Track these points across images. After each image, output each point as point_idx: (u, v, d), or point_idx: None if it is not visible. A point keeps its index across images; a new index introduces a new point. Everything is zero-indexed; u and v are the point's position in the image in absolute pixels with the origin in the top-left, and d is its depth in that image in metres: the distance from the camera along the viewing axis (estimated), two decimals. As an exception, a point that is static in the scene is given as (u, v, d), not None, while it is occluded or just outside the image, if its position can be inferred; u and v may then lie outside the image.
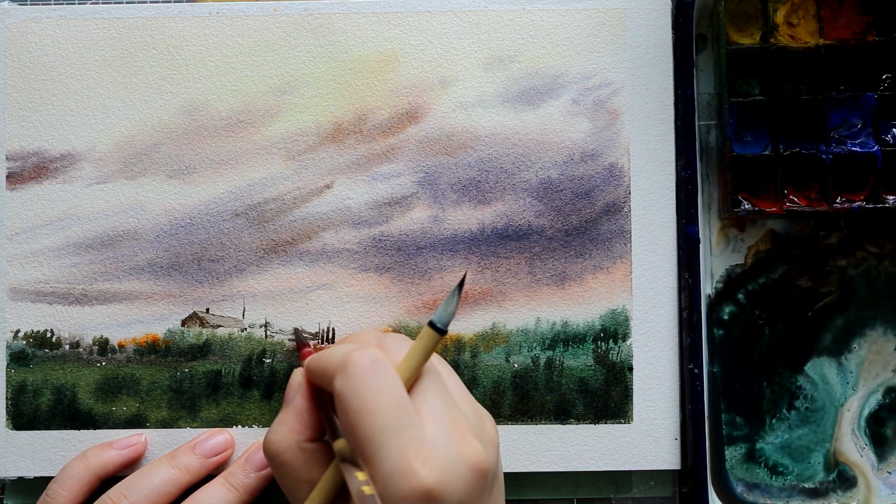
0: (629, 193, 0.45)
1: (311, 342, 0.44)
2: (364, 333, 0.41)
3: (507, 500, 0.44)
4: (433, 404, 0.34)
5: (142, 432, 0.45)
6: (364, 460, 0.33)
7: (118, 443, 0.44)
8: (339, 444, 0.35)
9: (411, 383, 0.35)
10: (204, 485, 0.42)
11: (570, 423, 0.45)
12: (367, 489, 0.32)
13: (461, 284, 0.36)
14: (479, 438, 0.34)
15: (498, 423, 0.44)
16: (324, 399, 0.38)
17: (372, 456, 0.32)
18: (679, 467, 0.45)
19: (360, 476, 0.33)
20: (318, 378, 0.36)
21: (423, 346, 0.35)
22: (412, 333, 0.45)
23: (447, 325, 0.35)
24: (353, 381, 0.33)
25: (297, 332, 0.45)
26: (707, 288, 0.46)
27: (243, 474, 0.42)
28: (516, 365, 0.45)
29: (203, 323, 0.45)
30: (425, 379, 0.35)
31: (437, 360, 0.38)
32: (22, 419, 0.45)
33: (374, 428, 0.32)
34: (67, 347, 0.45)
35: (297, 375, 0.40)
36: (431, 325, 0.35)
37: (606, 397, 0.45)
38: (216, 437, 0.44)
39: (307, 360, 0.38)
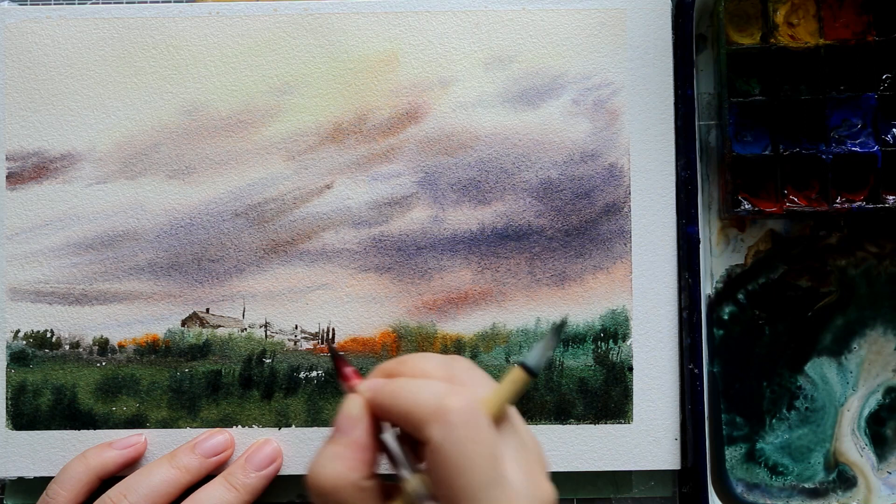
0: (629, 193, 0.45)
1: (312, 342, 0.44)
2: (428, 359, 0.36)
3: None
4: (513, 449, 0.33)
5: (142, 432, 0.45)
6: None
7: (118, 443, 0.44)
8: (416, 485, 0.33)
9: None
10: (204, 485, 0.42)
11: (570, 423, 0.45)
12: None
13: (560, 328, 0.34)
14: (544, 473, 0.34)
15: (498, 423, 0.44)
16: (385, 430, 0.35)
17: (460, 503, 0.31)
18: (679, 467, 0.45)
19: None
20: (399, 420, 0.34)
21: (514, 389, 0.34)
22: (412, 333, 0.45)
23: (540, 368, 0.34)
24: (453, 435, 0.32)
25: (332, 349, 0.43)
26: (707, 288, 0.46)
27: (243, 474, 0.42)
28: (516, 365, 0.45)
29: (203, 323, 0.45)
30: (504, 423, 0.34)
31: None
32: (22, 419, 0.45)
33: (472, 483, 0.31)
34: (67, 347, 0.45)
35: (355, 406, 0.35)
36: (523, 366, 0.34)
37: (606, 397, 0.45)
38: (216, 437, 0.44)
39: (378, 393, 0.35)
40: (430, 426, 0.32)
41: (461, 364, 0.35)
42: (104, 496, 0.41)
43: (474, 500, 0.31)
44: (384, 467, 0.35)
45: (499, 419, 0.33)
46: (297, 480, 0.45)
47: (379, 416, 0.35)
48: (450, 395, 0.32)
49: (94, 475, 0.42)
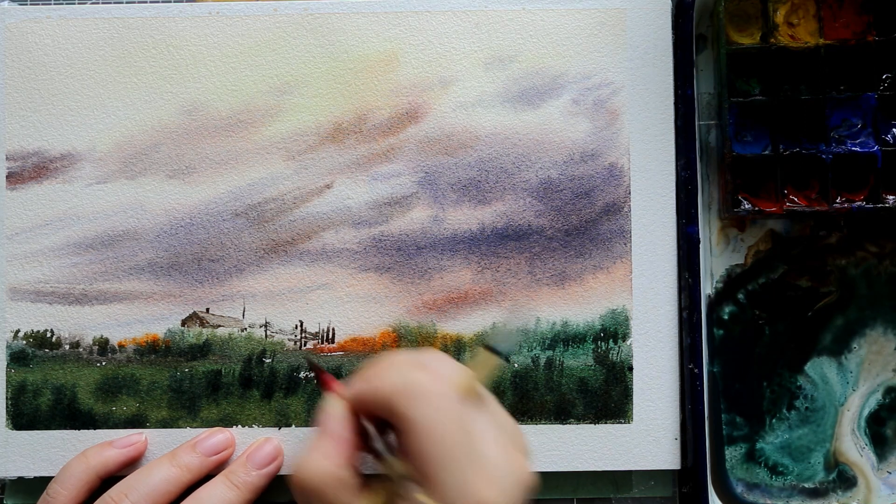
0: (629, 193, 0.45)
1: (312, 342, 0.44)
2: (397, 353, 0.38)
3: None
4: (488, 426, 0.35)
5: (142, 431, 0.45)
6: (428, 482, 0.33)
7: (118, 442, 0.44)
8: (399, 467, 0.35)
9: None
10: (205, 483, 0.42)
11: (570, 423, 0.45)
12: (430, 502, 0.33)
13: (520, 312, 0.36)
14: (521, 452, 0.35)
15: (498, 423, 0.45)
16: (361, 423, 0.37)
17: (437, 478, 0.33)
18: (679, 467, 0.45)
19: (421, 496, 0.33)
20: (373, 405, 0.36)
21: (482, 370, 0.36)
22: (412, 333, 0.45)
23: (510, 354, 0.36)
24: (423, 407, 0.34)
25: (309, 359, 0.44)
26: (707, 288, 0.46)
27: (244, 472, 0.42)
28: (516, 365, 0.45)
29: (203, 323, 0.45)
30: (479, 403, 0.36)
31: None
32: (22, 419, 0.45)
33: (443, 452, 0.33)
34: (67, 347, 0.45)
35: (335, 406, 0.38)
36: (490, 348, 0.36)
37: (606, 397, 0.45)
38: (216, 436, 0.44)
39: (355, 388, 0.37)
40: (400, 403, 0.34)
41: (430, 353, 0.38)
42: (105, 495, 0.41)
43: (447, 469, 0.33)
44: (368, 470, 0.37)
45: (470, 398, 0.35)
46: (297, 480, 0.45)
47: (358, 411, 0.37)
48: (416, 371, 0.35)
49: (95, 474, 0.42)
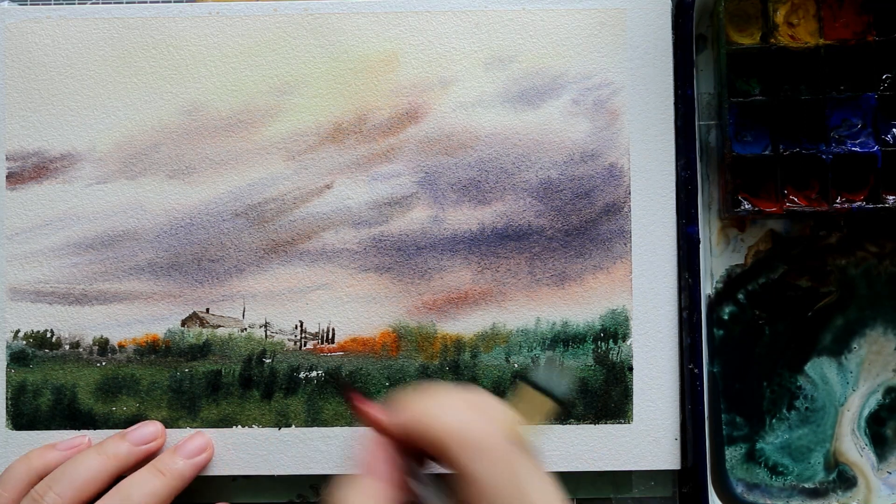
0: (629, 193, 0.45)
1: (312, 342, 0.44)
2: (445, 389, 0.36)
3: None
4: (534, 474, 0.33)
5: (86, 433, 0.44)
6: None
7: (61, 444, 0.43)
8: None
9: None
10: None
11: (570, 423, 0.45)
12: None
13: (562, 368, 0.35)
14: (560, 500, 0.34)
15: (498, 423, 0.44)
16: (408, 462, 0.35)
17: None
18: (679, 467, 0.45)
19: None
20: (422, 442, 0.33)
21: (532, 414, 0.34)
22: (412, 333, 0.45)
23: (563, 396, 0.34)
24: (481, 461, 0.31)
25: (337, 379, 0.43)
26: (707, 288, 0.46)
27: (171, 461, 0.42)
28: (516, 365, 0.45)
29: (203, 323, 0.45)
30: (526, 448, 0.34)
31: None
32: (22, 419, 0.45)
33: None
34: (67, 347, 0.45)
35: (380, 441, 0.34)
36: (539, 387, 0.34)
37: (606, 397, 0.45)
38: (146, 427, 0.44)
39: (407, 425, 0.33)
40: (456, 451, 0.32)
41: (478, 393, 0.35)
42: (32, 490, 0.41)
43: None
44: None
45: (518, 444, 0.33)
46: (297, 480, 0.45)
47: (401, 446, 0.34)
48: (470, 413, 0.32)
49: (36, 475, 0.42)
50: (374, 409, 0.35)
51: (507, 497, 0.32)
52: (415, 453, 0.34)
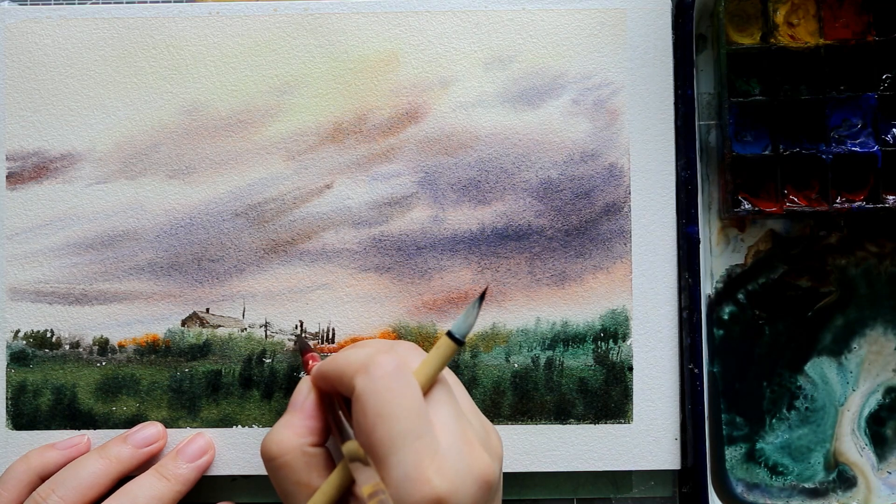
0: (629, 193, 0.45)
1: (312, 342, 0.45)
2: (373, 341, 0.41)
3: (507, 501, 0.44)
4: (446, 414, 0.35)
5: (84, 433, 0.44)
6: (377, 463, 0.33)
7: (60, 444, 0.43)
8: (351, 446, 0.35)
9: (425, 392, 0.35)
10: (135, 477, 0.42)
11: (570, 423, 0.45)
12: (377, 488, 0.33)
13: (482, 297, 0.36)
14: (486, 450, 0.35)
15: (498, 423, 0.45)
16: (332, 402, 0.38)
17: (386, 459, 0.33)
18: (679, 467, 0.45)
19: (372, 476, 0.33)
20: (334, 380, 0.36)
21: (440, 355, 0.36)
22: (412, 333, 0.45)
23: (465, 336, 0.36)
24: (375, 384, 0.34)
25: (299, 338, 0.45)
26: (707, 288, 0.46)
27: (174, 465, 0.42)
28: (516, 365, 0.45)
29: (203, 323, 0.45)
30: (438, 389, 0.36)
31: (446, 372, 0.38)
32: (22, 419, 0.45)
33: (393, 432, 0.33)
34: (67, 347, 0.45)
35: (306, 383, 0.39)
36: (450, 335, 0.36)
37: (606, 397, 0.45)
38: (148, 429, 0.44)
39: (320, 365, 0.38)
40: (356, 378, 0.34)
41: (404, 344, 0.38)
42: (34, 493, 0.41)
43: (392, 447, 0.33)
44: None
45: (428, 385, 0.35)
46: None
47: (325, 389, 0.38)
48: (378, 353, 0.35)
49: (35, 475, 0.42)
50: (314, 361, 0.41)
51: (404, 423, 0.33)
52: (337, 393, 0.38)
